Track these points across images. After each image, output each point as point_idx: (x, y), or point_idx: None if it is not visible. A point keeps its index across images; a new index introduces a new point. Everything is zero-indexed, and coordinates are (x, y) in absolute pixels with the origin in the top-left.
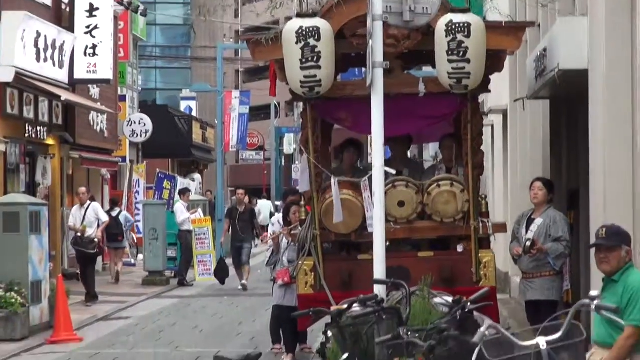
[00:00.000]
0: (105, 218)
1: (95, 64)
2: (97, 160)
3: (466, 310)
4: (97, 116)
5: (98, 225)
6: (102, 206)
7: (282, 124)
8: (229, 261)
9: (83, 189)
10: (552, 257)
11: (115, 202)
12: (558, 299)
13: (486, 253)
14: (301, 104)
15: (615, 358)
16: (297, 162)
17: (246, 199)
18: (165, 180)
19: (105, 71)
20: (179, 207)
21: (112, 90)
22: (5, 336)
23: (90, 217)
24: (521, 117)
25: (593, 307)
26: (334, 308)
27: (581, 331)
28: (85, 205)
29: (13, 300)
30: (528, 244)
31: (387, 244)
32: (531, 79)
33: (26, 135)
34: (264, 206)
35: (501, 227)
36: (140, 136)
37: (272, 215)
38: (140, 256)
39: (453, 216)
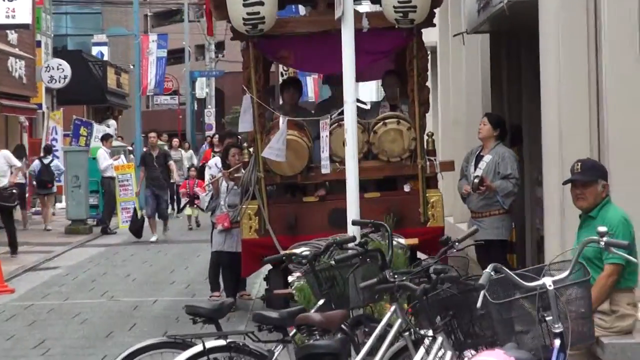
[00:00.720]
0: (18, 164)
1: (13, 9)
2: (17, 108)
3: (455, 250)
4: (16, 62)
5: (11, 173)
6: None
7: (193, 67)
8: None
9: None
10: (500, 195)
11: (48, 150)
12: (507, 237)
13: (434, 192)
14: (241, 43)
15: (597, 297)
16: (209, 107)
17: (159, 142)
18: (82, 127)
19: (25, 16)
20: (102, 153)
21: (30, 36)
22: None
23: (1, 165)
24: (454, 54)
25: (602, 244)
26: (287, 252)
27: (587, 270)
28: None
29: None
30: (476, 181)
31: (328, 185)
32: (472, 12)
33: None
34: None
35: (449, 165)
36: (59, 82)
37: (189, 169)
38: (60, 204)
39: (400, 155)
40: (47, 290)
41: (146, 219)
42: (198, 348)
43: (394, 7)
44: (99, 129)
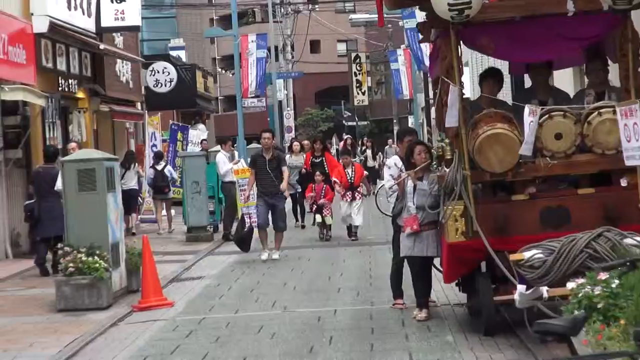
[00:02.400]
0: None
1: (122, 11)
2: (126, 113)
3: None
4: (123, 66)
5: None
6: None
7: (268, 69)
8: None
9: (73, 144)
10: None
11: (159, 156)
12: None
13: None
14: (434, 31)
15: None
16: (287, 109)
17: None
18: (179, 132)
19: (134, 17)
20: (221, 157)
21: (134, 38)
22: (90, 304)
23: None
24: None
25: None
26: (515, 257)
27: None
28: None
29: (97, 265)
30: None
31: (538, 182)
32: None
33: (59, 88)
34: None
35: None
36: (165, 85)
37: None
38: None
39: (616, 147)
40: (209, 302)
41: (255, 231)
42: None
43: None
44: (193, 134)
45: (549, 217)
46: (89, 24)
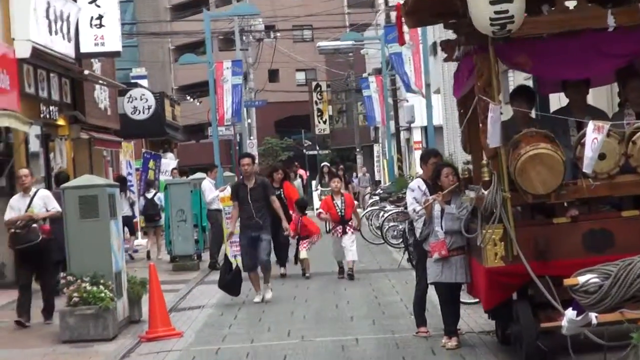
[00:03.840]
0: (57, 207)
1: (102, 36)
2: (105, 140)
3: None
4: (101, 93)
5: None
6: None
7: None
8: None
9: (25, 171)
10: None
11: (150, 184)
12: None
13: None
14: (465, 47)
15: None
16: (251, 138)
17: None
18: (151, 160)
19: (114, 43)
20: (207, 184)
21: (111, 65)
22: (95, 335)
23: (39, 208)
24: None
25: None
26: (570, 282)
27: None
28: (31, 193)
29: (102, 295)
30: None
31: (578, 204)
32: None
33: (41, 115)
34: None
35: None
36: (143, 113)
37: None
38: (140, 241)
39: None
40: (219, 332)
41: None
42: None
43: None
44: (164, 163)
45: (592, 240)
46: (68, 49)
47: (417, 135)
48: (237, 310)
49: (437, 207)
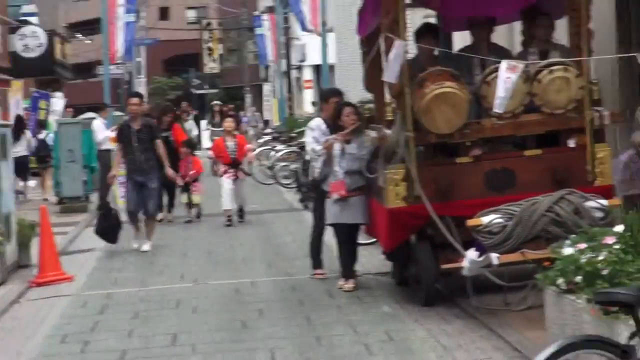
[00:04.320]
0: None
1: None
2: None
3: None
4: None
5: None
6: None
7: None
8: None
9: None
10: None
11: (43, 125)
12: None
13: (602, 147)
14: None
15: None
16: (140, 76)
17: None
18: (41, 100)
19: None
20: (98, 124)
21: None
22: None
23: None
24: None
25: None
26: (473, 222)
27: None
28: None
29: None
30: None
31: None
32: None
33: None
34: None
35: (618, 116)
36: (34, 51)
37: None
38: (32, 182)
39: (565, 106)
40: (110, 275)
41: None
42: None
43: None
44: (54, 102)
45: (493, 180)
46: None
47: (307, 74)
48: (127, 254)
49: (337, 147)
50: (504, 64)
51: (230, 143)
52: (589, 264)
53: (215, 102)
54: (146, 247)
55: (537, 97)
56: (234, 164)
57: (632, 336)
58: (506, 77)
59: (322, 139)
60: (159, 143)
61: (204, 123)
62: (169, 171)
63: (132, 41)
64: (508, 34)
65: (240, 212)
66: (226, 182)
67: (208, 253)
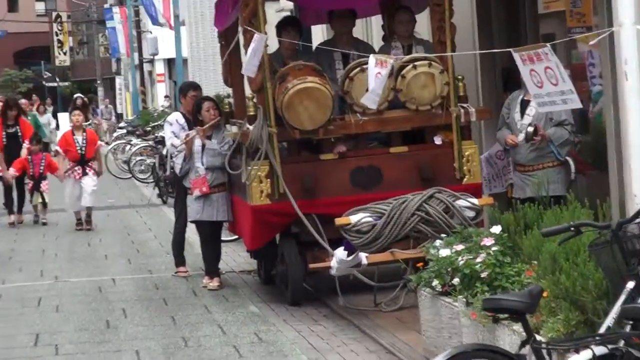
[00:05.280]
0: None
1: None
2: None
3: None
4: None
5: None
6: None
7: None
8: None
9: None
10: (555, 145)
11: None
12: (564, 193)
13: (469, 145)
14: None
15: None
16: None
17: None
18: None
19: None
20: None
21: None
22: None
23: None
24: None
25: None
26: (342, 221)
27: None
28: None
29: None
30: (530, 129)
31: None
32: None
33: None
34: None
35: (485, 113)
36: None
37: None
38: None
39: (430, 102)
40: None
41: None
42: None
43: None
44: None
45: (359, 177)
46: None
47: (160, 68)
48: None
49: (197, 142)
50: (372, 59)
51: (79, 137)
52: (467, 266)
53: (78, 94)
54: None
55: (401, 93)
56: (82, 161)
57: (522, 345)
58: (376, 73)
59: (182, 133)
60: None
61: (63, 116)
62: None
63: None
64: (364, 28)
65: (88, 217)
66: (69, 182)
67: (67, 250)
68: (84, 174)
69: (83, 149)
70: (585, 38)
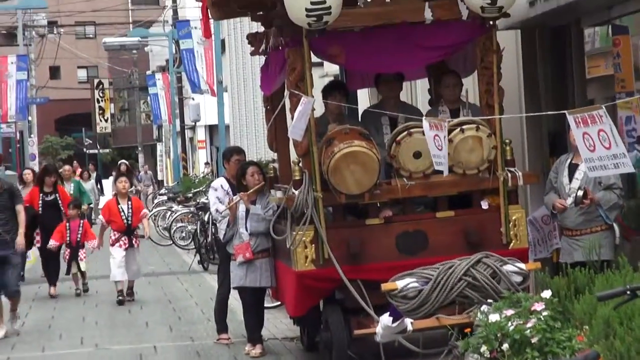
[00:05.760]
0: None
1: None
2: None
3: None
4: None
5: None
6: None
7: None
8: None
9: None
10: (604, 209)
11: None
12: (612, 257)
13: (516, 209)
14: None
15: None
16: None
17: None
18: None
19: None
20: None
21: None
22: None
23: None
24: None
25: None
26: (388, 287)
27: None
28: None
29: None
30: (580, 193)
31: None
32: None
33: None
34: None
35: (532, 177)
36: None
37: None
38: None
39: (477, 166)
40: (7, 340)
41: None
42: None
43: None
44: None
45: (405, 242)
46: None
47: (201, 134)
48: (23, 317)
49: (241, 208)
50: (425, 124)
51: (124, 206)
52: (517, 331)
53: (122, 161)
54: (15, 326)
55: (449, 156)
56: (128, 231)
57: None
58: (434, 135)
59: (226, 199)
60: (20, 208)
61: (106, 183)
62: (20, 240)
63: (24, 99)
64: (409, 91)
65: (130, 290)
66: (117, 251)
67: (107, 317)
68: (130, 244)
69: (129, 218)
70: (628, 103)
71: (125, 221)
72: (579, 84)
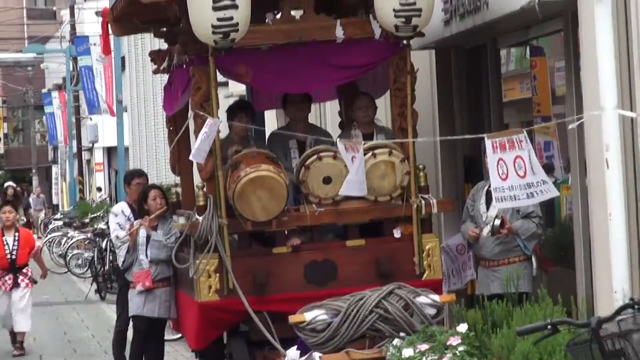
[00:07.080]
0: None
1: None
2: None
3: None
4: None
5: None
6: None
7: None
8: None
9: None
10: (522, 239)
11: None
12: (530, 290)
13: (430, 238)
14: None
15: None
16: None
17: None
18: None
19: None
20: None
21: None
22: None
23: None
24: None
25: None
26: (296, 319)
27: None
28: None
29: None
30: (497, 222)
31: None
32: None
33: None
34: None
35: (447, 205)
36: None
37: None
38: None
39: (390, 193)
40: None
41: None
42: None
43: (395, 10)
44: None
45: (314, 272)
46: None
47: (99, 156)
48: None
49: (142, 233)
50: (340, 146)
51: (9, 239)
52: None
53: (9, 183)
54: None
55: None
56: (13, 269)
57: None
58: (351, 157)
59: (127, 224)
60: None
61: None
62: None
63: None
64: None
65: (19, 342)
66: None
67: None
68: (15, 285)
69: (14, 253)
70: (545, 128)
71: (8, 256)
72: (495, 107)
